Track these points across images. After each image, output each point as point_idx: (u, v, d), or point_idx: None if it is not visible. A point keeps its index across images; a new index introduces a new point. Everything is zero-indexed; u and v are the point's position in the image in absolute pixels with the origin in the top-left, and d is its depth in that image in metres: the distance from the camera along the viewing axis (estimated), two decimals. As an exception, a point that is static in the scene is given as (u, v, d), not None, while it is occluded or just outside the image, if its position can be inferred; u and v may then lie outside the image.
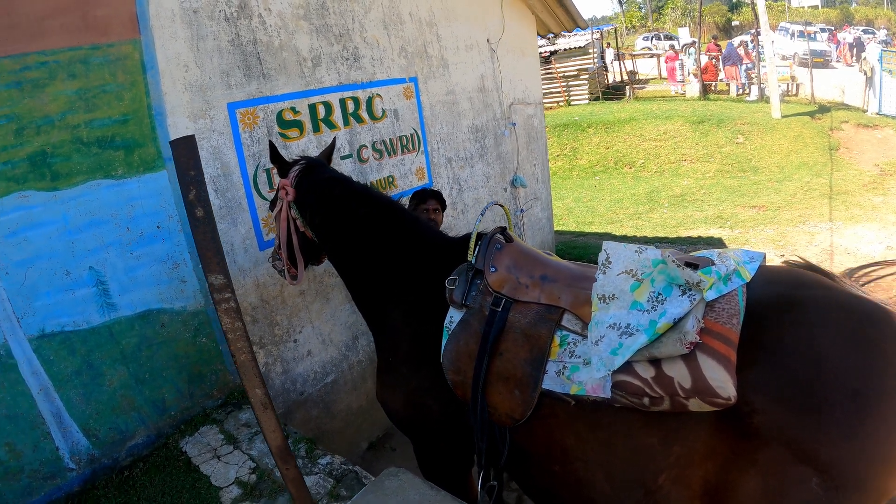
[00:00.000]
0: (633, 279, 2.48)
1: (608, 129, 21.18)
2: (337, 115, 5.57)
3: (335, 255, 3.66)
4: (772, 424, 2.15)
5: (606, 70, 31.57)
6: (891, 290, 3.31)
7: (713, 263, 2.45)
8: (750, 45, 27.24)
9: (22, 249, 3.73)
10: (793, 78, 25.71)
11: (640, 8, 68.94)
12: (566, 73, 28.28)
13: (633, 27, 62.96)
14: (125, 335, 4.22)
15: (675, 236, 12.09)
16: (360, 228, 3.43)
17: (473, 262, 2.93)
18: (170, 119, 4.33)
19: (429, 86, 6.66)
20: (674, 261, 2.36)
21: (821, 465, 2.09)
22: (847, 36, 36.68)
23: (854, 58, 32.12)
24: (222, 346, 4.75)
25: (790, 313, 2.29)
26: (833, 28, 41.75)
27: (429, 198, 5.11)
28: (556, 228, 10.60)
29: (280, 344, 5.25)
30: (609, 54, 33.11)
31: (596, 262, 2.76)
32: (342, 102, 5.61)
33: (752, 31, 28.30)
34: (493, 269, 2.87)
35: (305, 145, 5.28)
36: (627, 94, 27.79)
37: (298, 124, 5.24)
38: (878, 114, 20.37)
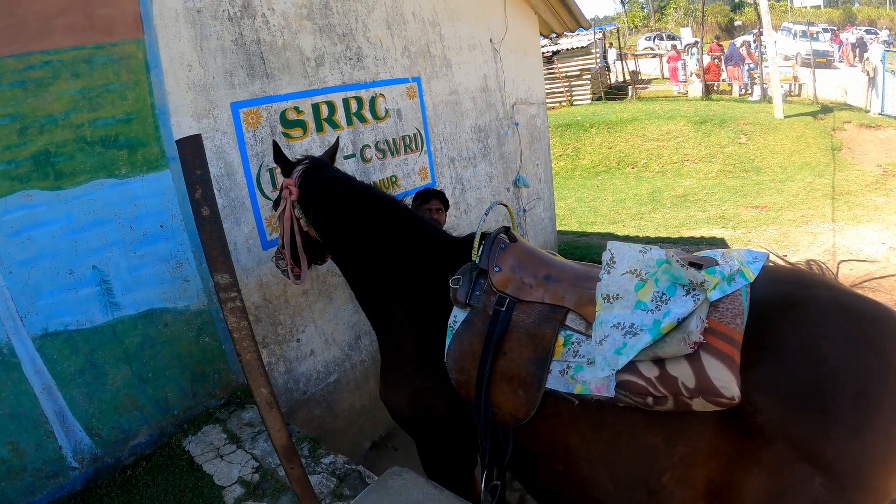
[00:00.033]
0: (638, 279, 2.47)
1: (611, 130, 21.17)
2: (340, 115, 5.58)
3: (339, 255, 3.66)
4: (775, 424, 2.16)
5: (609, 70, 31.56)
6: (893, 292, 3.32)
7: (717, 263, 2.46)
8: (752, 46, 27.18)
9: (25, 248, 3.73)
10: (795, 78, 25.69)
11: (642, 8, 68.84)
12: (569, 73, 28.28)
13: (636, 27, 62.93)
14: (128, 334, 4.22)
15: (677, 236, 12.08)
16: (363, 228, 3.42)
17: (477, 261, 2.93)
18: (173, 118, 4.33)
19: (432, 86, 6.66)
20: (678, 261, 2.36)
21: (824, 465, 2.10)
22: (850, 36, 36.64)
23: (857, 58, 32.09)
24: (225, 346, 4.75)
25: (792, 313, 2.29)
26: (836, 28, 41.72)
27: (432, 197, 5.11)
28: (558, 228, 10.59)
29: (283, 343, 5.25)
30: (611, 54, 33.09)
31: (599, 262, 2.76)
32: (345, 102, 5.62)
33: (755, 31, 28.37)
34: (497, 269, 2.87)
35: (309, 145, 5.28)
36: (630, 94, 27.78)
37: (302, 124, 5.24)
38: (880, 114, 20.35)
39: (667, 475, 2.40)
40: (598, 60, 29.29)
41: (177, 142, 2.24)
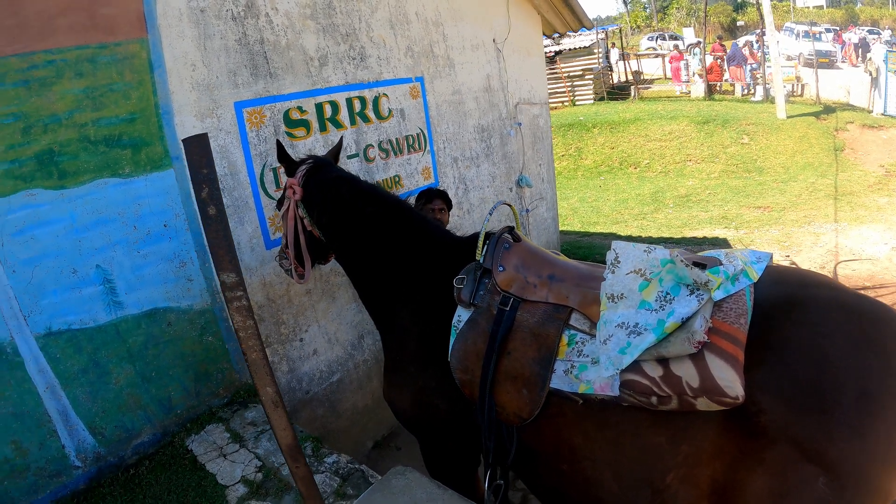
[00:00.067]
0: (642, 279, 2.47)
1: (613, 130, 21.17)
2: (343, 115, 5.58)
3: (342, 254, 3.66)
4: (779, 424, 2.16)
5: (611, 70, 31.55)
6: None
7: (721, 263, 2.45)
8: (755, 46, 27.19)
9: (29, 248, 3.73)
10: (798, 78, 25.69)
11: (644, 8, 68.81)
12: (571, 73, 28.25)
13: (638, 27, 62.92)
14: (132, 333, 4.23)
15: (680, 237, 12.08)
16: (367, 227, 3.42)
17: (482, 261, 2.93)
18: (177, 118, 4.33)
19: (435, 85, 6.66)
20: (682, 260, 2.36)
21: (827, 465, 2.10)
22: (852, 36, 36.68)
23: (859, 58, 32.12)
24: (228, 345, 4.76)
25: (795, 313, 2.30)
26: (838, 28, 41.73)
27: (435, 197, 5.11)
28: (560, 228, 10.59)
29: (286, 343, 5.25)
30: (614, 54, 33.11)
31: (602, 262, 2.76)
32: (349, 102, 5.62)
33: (757, 31, 28.37)
34: (501, 269, 2.88)
35: (312, 144, 5.28)
36: (632, 94, 27.75)
37: (305, 123, 5.24)
38: (883, 114, 20.34)
39: (671, 475, 2.40)
40: (601, 60, 29.28)
41: (183, 141, 2.24)
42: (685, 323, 2.27)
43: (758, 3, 24.67)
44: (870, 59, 22.95)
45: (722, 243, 11.27)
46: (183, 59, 4.36)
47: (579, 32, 11.28)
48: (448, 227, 4.68)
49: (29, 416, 3.80)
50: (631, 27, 60.41)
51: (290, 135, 5.12)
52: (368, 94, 5.82)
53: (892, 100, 20.31)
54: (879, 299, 2.47)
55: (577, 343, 2.60)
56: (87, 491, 4.02)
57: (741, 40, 32.29)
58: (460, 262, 3.06)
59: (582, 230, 13.48)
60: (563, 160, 20.39)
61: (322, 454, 4.02)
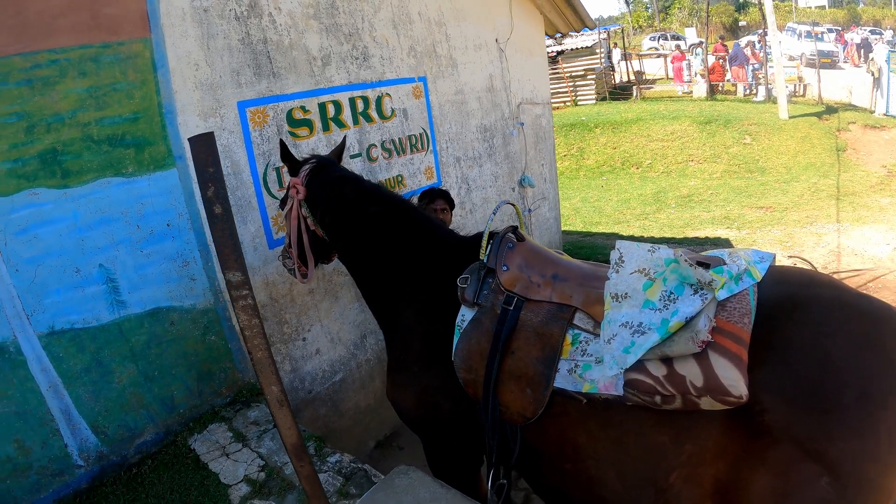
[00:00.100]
0: (646, 278, 2.48)
1: (615, 130, 21.17)
2: (346, 115, 5.58)
3: (346, 254, 3.67)
4: (782, 423, 2.16)
5: (613, 70, 31.57)
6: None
7: (724, 263, 2.45)
8: (757, 46, 27.21)
9: (32, 247, 3.74)
10: (800, 78, 25.71)
11: (646, 8, 68.85)
12: (573, 73, 28.26)
13: (640, 27, 62.93)
14: (134, 333, 4.23)
15: (682, 237, 12.08)
16: (371, 227, 3.43)
17: (485, 260, 2.93)
18: (180, 117, 4.33)
19: (438, 85, 6.66)
20: (686, 260, 2.36)
21: (829, 464, 2.10)
22: (854, 36, 36.70)
23: (861, 58, 32.10)
24: (231, 344, 4.76)
25: (797, 313, 2.30)
26: (840, 28, 41.74)
27: (437, 197, 5.11)
28: (563, 228, 10.59)
29: (289, 342, 5.25)
30: (616, 54, 33.11)
31: (604, 262, 2.77)
32: (352, 101, 5.62)
33: (760, 31, 28.39)
34: (505, 268, 2.88)
35: (315, 144, 5.28)
36: (634, 94, 27.78)
37: (308, 123, 5.24)
38: (885, 115, 20.36)
39: (674, 474, 2.40)
40: (603, 60, 29.30)
41: (189, 139, 2.24)
42: (689, 322, 2.28)
43: (760, 3, 24.64)
44: (872, 59, 22.94)
45: (724, 243, 11.26)
46: (186, 59, 4.36)
47: (581, 32, 11.26)
48: (451, 226, 4.68)
49: (31, 416, 3.80)
50: (633, 27, 60.38)
51: (293, 134, 5.12)
52: (371, 94, 5.82)
53: (894, 100, 20.32)
54: (881, 299, 2.47)
55: (580, 342, 2.61)
56: (89, 490, 4.02)
57: (743, 40, 32.30)
58: (464, 261, 3.06)
59: (584, 230, 13.48)
60: (566, 160, 20.40)
61: (325, 453, 4.02)
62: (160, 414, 4.40)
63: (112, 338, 4.12)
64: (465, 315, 2.91)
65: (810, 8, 56.02)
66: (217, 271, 4.58)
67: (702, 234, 12.14)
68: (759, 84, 25.16)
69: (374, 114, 5.86)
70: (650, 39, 45.71)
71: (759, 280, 2.41)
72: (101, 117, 3.97)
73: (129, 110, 4.09)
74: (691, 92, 26.60)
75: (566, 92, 28.02)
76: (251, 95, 4.77)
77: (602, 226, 13.75)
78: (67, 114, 3.83)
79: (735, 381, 2.16)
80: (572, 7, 8.89)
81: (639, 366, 2.35)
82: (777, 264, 2.59)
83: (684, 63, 28.22)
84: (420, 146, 6.44)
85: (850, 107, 22.45)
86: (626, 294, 2.49)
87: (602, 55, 29.17)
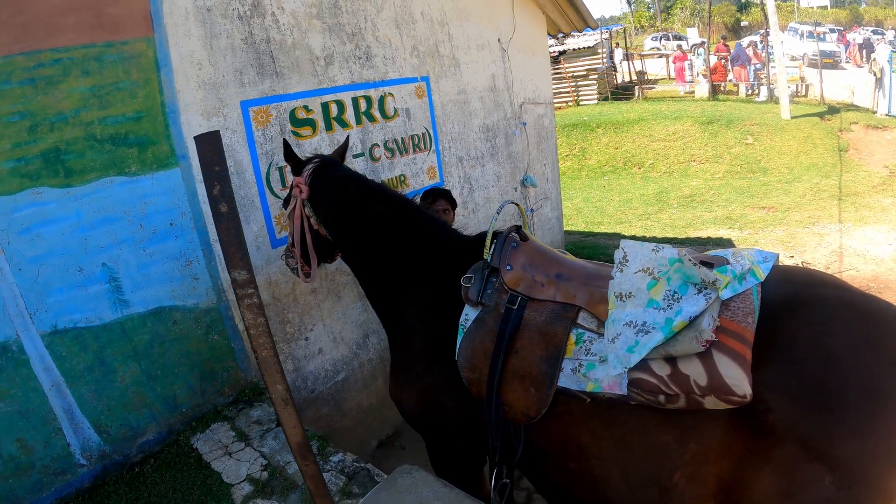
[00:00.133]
0: (650, 277, 2.48)
1: (617, 130, 21.18)
2: (349, 114, 5.58)
3: (349, 253, 3.67)
4: (786, 423, 2.16)
5: (615, 70, 31.60)
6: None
7: (728, 262, 2.46)
8: (759, 46, 27.21)
9: (35, 246, 3.73)
10: (802, 79, 25.72)
11: (648, 8, 68.85)
12: (575, 73, 28.29)
13: (642, 27, 62.93)
14: (137, 332, 4.23)
15: (684, 237, 12.09)
16: (374, 226, 3.43)
17: (489, 260, 2.93)
18: (183, 117, 4.33)
19: (440, 85, 6.66)
20: (690, 259, 2.37)
21: (833, 464, 2.10)
22: (856, 37, 36.67)
23: (864, 59, 32.08)
24: (234, 344, 4.76)
25: (801, 312, 2.31)
26: (842, 29, 41.69)
27: (439, 198, 5.10)
28: (565, 228, 10.59)
29: (291, 342, 5.26)
30: (618, 54, 33.14)
31: (607, 261, 2.77)
32: (354, 101, 5.62)
33: (762, 31, 28.35)
34: (508, 268, 2.88)
35: (318, 144, 5.28)
36: (636, 94, 27.78)
37: (311, 123, 5.24)
38: (887, 115, 20.38)
39: (678, 473, 2.40)
40: (605, 60, 29.32)
41: (195, 138, 2.24)
42: (693, 321, 2.28)
43: (762, 3, 24.66)
44: (874, 59, 22.91)
45: (726, 244, 11.28)
46: (189, 58, 4.36)
47: (583, 32, 11.27)
48: (453, 226, 4.67)
49: (34, 415, 3.80)
50: (635, 27, 60.37)
51: (295, 134, 5.12)
52: (374, 94, 5.82)
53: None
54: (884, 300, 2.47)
55: (584, 342, 2.61)
56: (91, 489, 4.02)
57: (745, 40, 32.30)
58: (467, 261, 3.06)
59: (586, 230, 13.50)
60: (567, 160, 20.40)
61: (328, 453, 4.02)
62: (163, 413, 4.40)
63: (115, 337, 4.12)
64: (469, 314, 2.91)
65: (812, 8, 56.02)
66: (220, 270, 4.59)
67: (704, 234, 12.15)
68: (761, 84, 25.18)
69: (376, 113, 5.86)
70: (652, 39, 45.66)
71: (762, 280, 2.41)
72: (104, 116, 3.97)
73: (132, 109, 4.09)
74: (693, 92, 26.62)
75: (568, 92, 28.05)
76: (254, 95, 4.77)
77: (604, 226, 13.76)
78: (70, 113, 3.83)
79: (739, 381, 2.16)
80: (574, 7, 8.88)
81: (643, 365, 2.35)
82: (780, 264, 2.60)
83: (686, 63, 28.24)
84: (423, 146, 6.44)
85: (853, 107, 22.48)
86: (630, 293, 2.49)
87: (604, 55, 29.20)
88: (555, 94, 10.31)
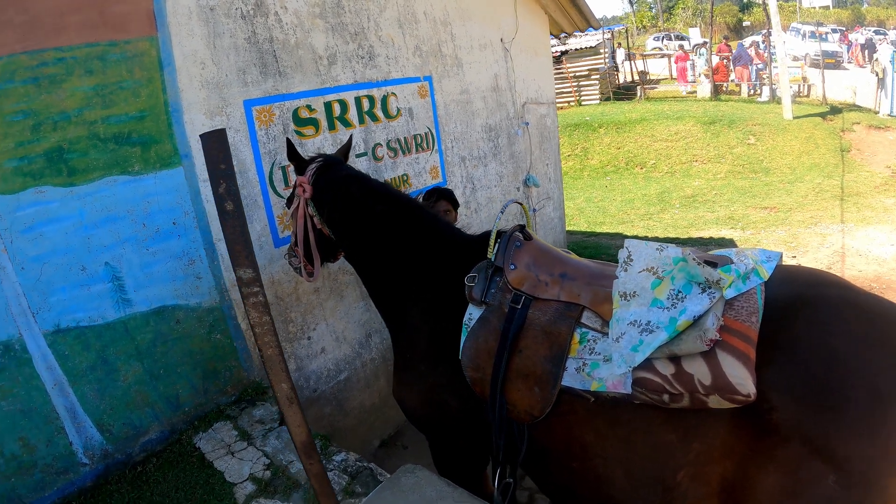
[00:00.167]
0: (654, 277, 2.47)
1: (619, 130, 21.17)
2: (352, 114, 5.58)
3: (353, 253, 3.67)
4: (790, 422, 2.16)
5: (617, 70, 31.60)
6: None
7: (732, 262, 2.45)
8: (761, 46, 27.23)
9: (38, 244, 3.74)
10: (804, 79, 25.72)
11: (650, 8, 68.80)
12: (577, 73, 28.29)
13: (644, 27, 62.87)
14: (140, 331, 4.23)
15: (686, 237, 12.08)
16: (378, 226, 3.43)
17: (493, 259, 2.93)
18: (186, 116, 4.34)
19: (443, 85, 6.66)
20: (694, 259, 2.36)
21: (837, 463, 2.09)
22: (859, 37, 36.66)
23: (866, 59, 32.07)
24: (237, 343, 4.76)
25: (805, 312, 2.30)
26: (844, 29, 41.70)
27: (441, 199, 5.09)
28: (567, 228, 10.59)
29: (294, 341, 5.26)
30: (620, 54, 33.14)
31: (610, 261, 2.77)
32: (357, 101, 5.62)
33: (764, 31, 28.34)
34: (512, 267, 2.88)
35: (321, 143, 5.29)
36: (638, 94, 27.77)
37: (314, 122, 5.24)
38: (889, 115, 20.37)
39: (682, 472, 2.40)
40: (607, 60, 29.30)
41: (201, 136, 2.24)
42: (697, 321, 2.28)
43: (764, 3, 24.62)
44: (876, 59, 22.88)
45: (728, 244, 11.26)
46: (192, 58, 4.36)
47: (586, 32, 11.29)
48: (456, 226, 4.67)
49: (37, 413, 3.80)
50: (637, 27, 60.34)
51: (299, 133, 5.12)
52: (377, 93, 5.82)
53: (898, 100, 20.34)
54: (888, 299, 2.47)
55: (588, 341, 2.61)
56: (94, 488, 4.02)
57: (747, 40, 32.31)
58: (471, 260, 3.07)
59: (588, 230, 13.49)
60: (569, 160, 20.40)
61: (330, 452, 4.02)
62: (165, 412, 4.40)
63: (117, 336, 4.12)
64: (473, 313, 2.91)
65: (814, 8, 55.94)
66: (223, 270, 4.59)
67: (706, 234, 12.14)
68: (763, 84, 25.17)
69: (379, 113, 5.86)
70: (654, 39, 45.63)
71: (766, 279, 2.41)
72: (107, 115, 3.97)
73: (135, 108, 4.10)
74: (695, 92, 26.60)
75: (570, 92, 28.04)
76: (257, 94, 4.77)
77: (606, 226, 13.76)
78: (74, 112, 3.83)
79: (743, 380, 2.16)
80: (577, 7, 8.88)
81: (647, 364, 2.35)
82: (784, 263, 2.60)
83: (688, 63, 28.25)
84: (425, 145, 6.45)
85: (855, 107, 22.47)
86: (634, 292, 2.49)
87: (606, 55, 29.17)
88: (557, 94, 10.30)
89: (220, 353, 4.68)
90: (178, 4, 4.25)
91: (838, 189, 13.96)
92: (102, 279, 4.02)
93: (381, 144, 5.92)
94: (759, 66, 26.07)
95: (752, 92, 25.78)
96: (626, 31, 38.25)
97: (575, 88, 28.10)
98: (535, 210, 8.77)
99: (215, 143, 2.18)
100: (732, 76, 27.05)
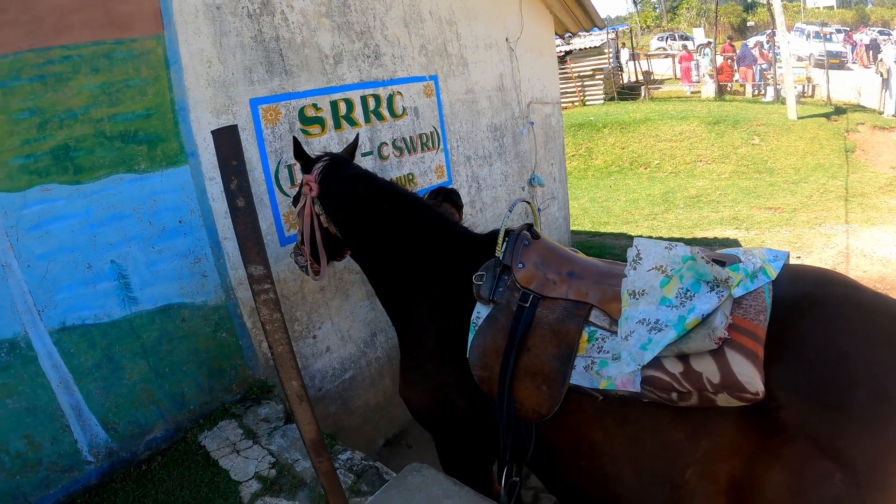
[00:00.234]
0: (663, 275, 2.47)
1: (623, 130, 21.19)
2: (358, 113, 5.58)
3: (359, 251, 3.67)
4: (797, 420, 2.16)
5: (621, 70, 31.61)
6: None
7: (740, 261, 2.46)
8: (765, 46, 27.22)
9: (44, 242, 3.74)
10: (809, 79, 25.71)
11: (654, 8, 68.78)
12: (581, 73, 28.32)
13: (648, 27, 62.90)
14: (146, 329, 4.23)
15: (690, 237, 12.08)
16: (384, 224, 3.43)
17: (501, 258, 2.93)
18: (192, 114, 4.34)
19: (448, 84, 6.66)
20: (702, 257, 2.37)
21: (844, 462, 2.09)
22: (863, 37, 36.64)
23: (870, 59, 32.06)
24: (242, 341, 4.76)
25: (812, 311, 2.30)
26: (849, 29, 41.69)
27: (444, 202, 5.06)
28: (571, 228, 10.59)
29: (299, 340, 5.25)
30: (624, 54, 33.14)
31: (615, 260, 2.77)
32: (363, 100, 5.62)
33: (768, 31, 28.41)
34: (520, 266, 2.87)
35: (327, 142, 5.28)
36: (642, 94, 27.79)
37: (320, 121, 5.24)
38: (893, 116, 20.36)
39: (690, 470, 2.40)
40: (611, 60, 29.31)
41: (213, 132, 2.24)
42: (705, 319, 2.28)
43: (768, 3, 24.65)
44: (881, 60, 22.92)
45: (733, 244, 11.24)
46: (199, 56, 4.36)
47: (590, 32, 11.30)
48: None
49: (42, 411, 3.80)
50: (641, 27, 60.36)
51: (305, 132, 5.12)
52: (383, 93, 5.82)
53: (902, 101, 20.33)
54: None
55: (597, 339, 2.60)
56: (98, 486, 4.02)
57: (751, 41, 32.33)
58: (478, 258, 3.06)
59: (592, 230, 13.50)
60: (574, 160, 20.42)
61: (336, 451, 4.02)
62: (170, 410, 4.40)
63: (123, 334, 4.12)
64: (481, 312, 2.91)
65: (819, 8, 55.97)
66: (228, 268, 4.60)
67: (710, 234, 12.14)
68: (768, 84, 25.15)
69: (385, 112, 5.86)
70: (658, 39, 45.68)
71: (773, 278, 2.41)
72: (113, 114, 3.97)
73: (141, 107, 4.10)
74: (699, 92, 26.61)
75: (574, 92, 28.06)
76: (263, 93, 4.77)
77: (610, 226, 13.76)
78: (80, 110, 3.83)
79: (751, 378, 2.16)
80: (582, 6, 8.89)
81: (655, 363, 2.35)
82: (791, 263, 2.60)
83: (692, 63, 28.26)
84: (431, 144, 6.44)
85: (859, 108, 22.46)
86: (643, 291, 2.49)
87: (610, 55, 29.19)
88: (561, 93, 10.30)
89: (225, 351, 4.68)
90: (185, 3, 4.25)
91: (843, 189, 13.95)
92: (108, 277, 4.02)
93: (387, 143, 5.92)
94: (764, 66, 26.05)
95: (756, 92, 25.77)
96: (630, 31, 38.18)
97: (579, 88, 28.12)
98: (539, 210, 8.77)
99: (227, 139, 2.18)
100: (736, 76, 27.05)
